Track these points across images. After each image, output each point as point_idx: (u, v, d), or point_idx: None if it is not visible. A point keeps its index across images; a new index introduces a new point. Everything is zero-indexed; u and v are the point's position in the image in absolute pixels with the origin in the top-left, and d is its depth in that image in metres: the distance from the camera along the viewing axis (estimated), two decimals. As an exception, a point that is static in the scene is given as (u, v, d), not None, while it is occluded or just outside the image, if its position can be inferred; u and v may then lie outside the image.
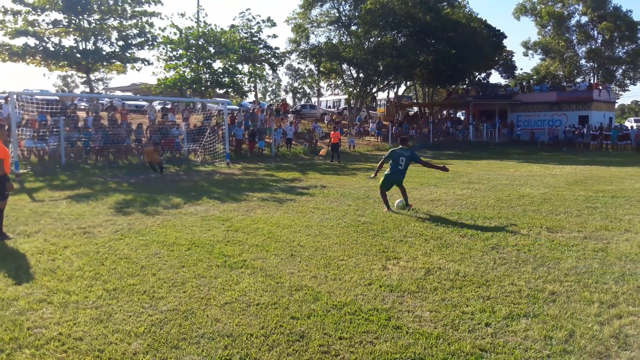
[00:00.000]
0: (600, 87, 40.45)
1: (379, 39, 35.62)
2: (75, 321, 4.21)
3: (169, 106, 28.30)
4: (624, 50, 48.11)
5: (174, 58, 27.82)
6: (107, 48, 28.21)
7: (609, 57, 47.85)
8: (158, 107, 29.21)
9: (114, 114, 23.93)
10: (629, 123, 49.45)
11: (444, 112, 48.52)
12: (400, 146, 9.80)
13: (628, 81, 50.28)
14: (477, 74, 45.50)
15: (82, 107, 28.75)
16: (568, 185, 13.55)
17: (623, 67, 49.19)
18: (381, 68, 35.21)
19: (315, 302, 4.67)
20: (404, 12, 33.79)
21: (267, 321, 4.25)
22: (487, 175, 16.36)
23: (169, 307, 4.55)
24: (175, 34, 26.99)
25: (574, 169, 18.78)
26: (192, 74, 27.47)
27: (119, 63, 29.50)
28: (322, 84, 56.69)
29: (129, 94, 44.71)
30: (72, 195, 11.37)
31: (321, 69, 41.78)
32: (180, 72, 27.43)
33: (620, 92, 51.08)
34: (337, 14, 38.09)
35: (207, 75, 28.15)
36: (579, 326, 4.13)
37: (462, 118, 46.44)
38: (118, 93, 49.05)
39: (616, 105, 52.45)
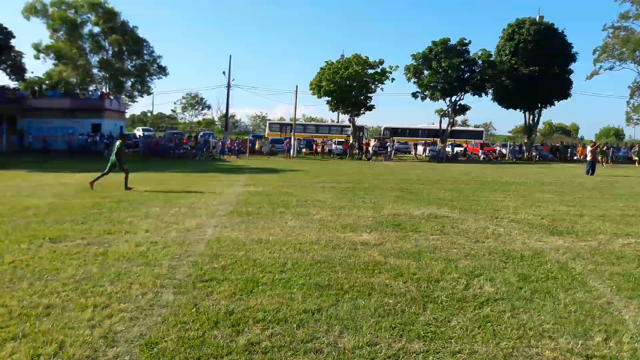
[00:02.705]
0: (112, 97, 42.78)
1: None
2: None
3: None
4: (133, 64, 52.37)
5: None
6: None
7: (119, 69, 51.08)
8: None
9: None
10: (138, 132, 54.44)
11: None
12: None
13: (137, 93, 55.08)
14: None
15: None
16: (77, 192, 13.58)
17: (132, 80, 53.47)
18: None
19: None
20: None
21: None
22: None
23: None
24: None
25: (84, 177, 18.99)
26: None
27: None
28: None
29: None
30: None
31: None
32: None
33: (130, 103, 55.35)
34: None
35: None
36: (70, 335, 4.10)
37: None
38: None
39: (127, 115, 56.47)
